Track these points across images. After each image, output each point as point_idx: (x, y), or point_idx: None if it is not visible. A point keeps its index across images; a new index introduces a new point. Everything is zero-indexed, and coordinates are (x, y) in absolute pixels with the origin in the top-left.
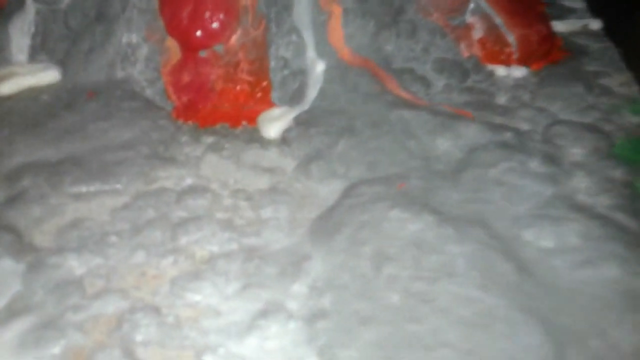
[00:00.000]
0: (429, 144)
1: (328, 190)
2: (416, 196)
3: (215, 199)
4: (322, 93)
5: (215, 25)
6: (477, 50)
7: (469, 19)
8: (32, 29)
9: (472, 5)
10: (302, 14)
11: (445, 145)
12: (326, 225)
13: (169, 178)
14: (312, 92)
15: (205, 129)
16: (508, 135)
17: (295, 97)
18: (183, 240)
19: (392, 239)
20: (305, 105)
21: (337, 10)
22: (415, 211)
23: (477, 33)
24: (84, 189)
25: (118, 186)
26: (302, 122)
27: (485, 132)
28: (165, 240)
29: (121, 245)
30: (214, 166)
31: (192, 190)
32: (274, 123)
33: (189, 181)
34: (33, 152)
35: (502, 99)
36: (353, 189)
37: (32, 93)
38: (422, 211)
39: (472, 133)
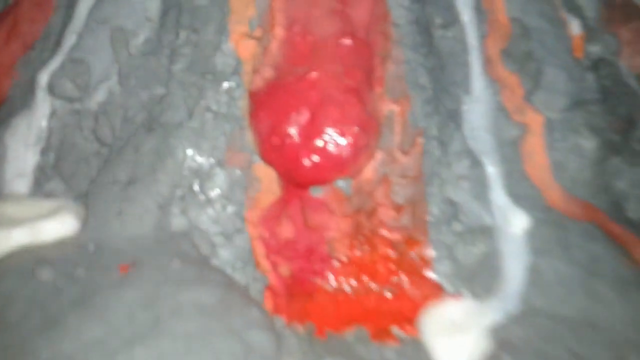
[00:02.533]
0: None
1: None
2: None
3: None
4: (534, 275)
5: (344, 146)
6: None
7: None
8: (43, 140)
9: None
10: (479, 127)
11: None
12: None
13: None
14: (514, 273)
15: (327, 340)
16: None
17: (481, 280)
18: None
19: None
20: (508, 300)
21: (537, 122)
22: None
23: None
24: None
25: None
26: (518, 348)
27: None
28: None
29: None
30: None
31: None
32: (454, 337)
33: None
34: None
35: None
36: None
37: (26, 260)
38: None
39: None
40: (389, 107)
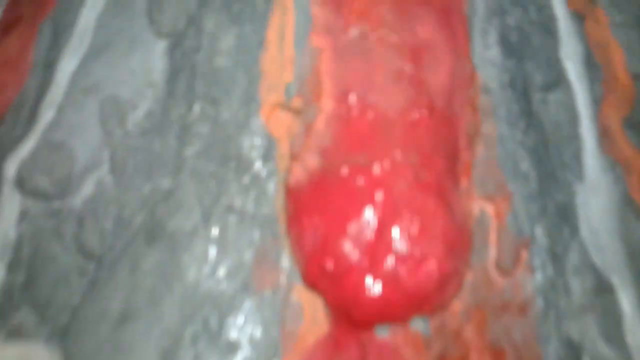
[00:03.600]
0: None
1: None
2: None
3: None
4: None
5: (424, 274)
6: None
7: None
8: (9, 252)
9: None
10: (601, 230)
11: None
12: None
13: None
14: None
15: None
16: None
17: None
18: None
19: None
20: None
21: None
22: None
23: None
24: None
25: None
26: None
27: None
28: None
29: None
30: None
31: None
32: None
33: None
34: None
35: None
36: None
37: None
38: None
39: None
40: (480, 208)
